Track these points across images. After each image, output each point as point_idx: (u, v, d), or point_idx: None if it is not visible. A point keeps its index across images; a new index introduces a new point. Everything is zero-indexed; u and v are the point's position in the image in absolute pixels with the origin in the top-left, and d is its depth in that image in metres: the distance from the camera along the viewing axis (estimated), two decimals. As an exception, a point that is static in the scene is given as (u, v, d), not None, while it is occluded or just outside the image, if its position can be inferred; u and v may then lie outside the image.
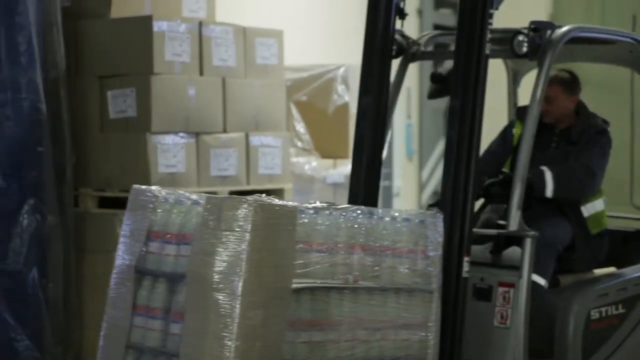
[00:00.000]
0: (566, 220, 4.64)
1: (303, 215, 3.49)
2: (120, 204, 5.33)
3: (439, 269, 3.82)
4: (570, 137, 4.75)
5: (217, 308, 3.30)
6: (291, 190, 6.16)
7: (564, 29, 4.44)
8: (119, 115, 5.58)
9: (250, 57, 5.94)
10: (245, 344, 3.26)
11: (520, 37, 4.30)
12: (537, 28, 4.33)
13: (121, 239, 3.70)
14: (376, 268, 3.66)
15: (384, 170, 4.53)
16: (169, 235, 3.56)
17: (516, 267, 4.26)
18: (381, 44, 4.29)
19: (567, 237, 4.62)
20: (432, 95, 4.54)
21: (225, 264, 3.31)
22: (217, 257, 3.34)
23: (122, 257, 3.66)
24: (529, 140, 4.30)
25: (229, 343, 3.25)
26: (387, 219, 3.74)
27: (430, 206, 4.33)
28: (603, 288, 4.67)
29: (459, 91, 4.06)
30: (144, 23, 5.49)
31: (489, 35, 4.07)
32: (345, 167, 6.82)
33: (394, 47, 4.54)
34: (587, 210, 4.71)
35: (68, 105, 5.56)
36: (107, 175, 5.60)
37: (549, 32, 4.35)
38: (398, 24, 4.46)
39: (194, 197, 3.58)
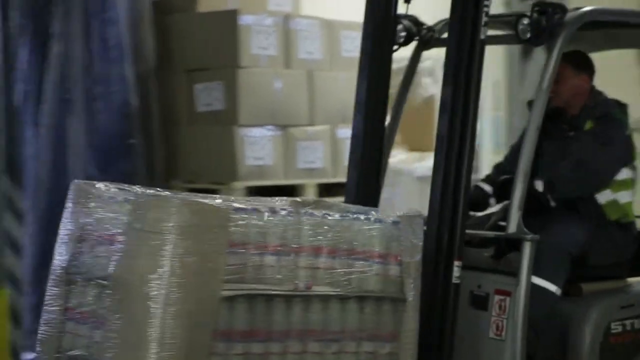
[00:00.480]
0: (583, 220, 4.19)
1: (257, 215, 3.21)
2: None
3: (416, 276, 3.46)
4: (577, 124, 4.30)
5: (138, 315, 3.03)
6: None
7: (580, 11, 4.00)
8: (206, 109, 5.65)
9: (335, 50, 5.96)
10: (167, 353, 3.01)
11: (525, 21, 3.88)
12: (543, 10, 3.89)
13: (59, 238, 3.45)
14: (337, 273, 3.34)
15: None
16: (100, 235, 3.30)
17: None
18: (380, 30, 3.94)
19: (584, 239, 4.16)
20: None
21: (148, 267, 3.04)
22: (140, 261, 3.07)
23: (57, 257, 3.41)
24: (533, 134, 3.87)
25: (150, 353, 3.00)
26: (357, 219, 3.42)
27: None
28: (629, 297, 4.17)
29: (450, 80, 3.71)
30: (230, 17, 5.55)
31: (484, 19, 3.70)
32: (432, 161, 6.79)
33: (403, 34, 4.24)
34: (603, 197, 4.22)
35: (157, 99, 5.66)
36: (196, 167, 5.68)
37: (557, 15, 3.90)
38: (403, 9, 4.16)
39: (129, 194, 3.32)
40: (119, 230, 3.19)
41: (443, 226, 3.64)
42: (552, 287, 4.01)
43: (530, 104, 4.29)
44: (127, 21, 5.64)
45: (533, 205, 3.99)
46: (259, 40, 5.61)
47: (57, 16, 5.59)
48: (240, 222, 3.17)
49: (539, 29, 3.88)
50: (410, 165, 7.01)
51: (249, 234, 3.19)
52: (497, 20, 3.94)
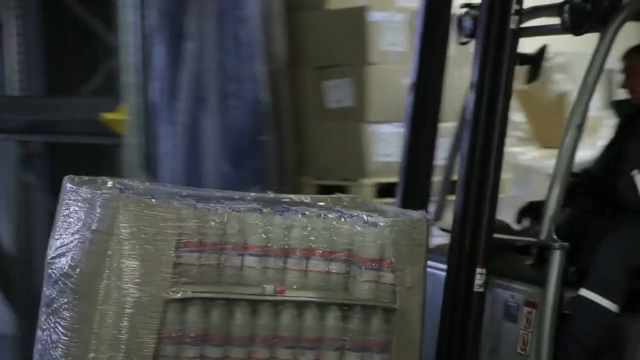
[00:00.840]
0: None
1: (229, 215, 3.12)
2: (339, 192, 5.45)
3: (414, 285, 3.24)
4: None
5: (85, 314, 3.03)
6: (510, 181, 6.10)
7: None
8: (336, 105, 5.70)
9: (465, 46, 5.91)
10: (107, 354, 2.98)
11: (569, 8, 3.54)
12: None
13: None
14: (319, 277, 3.18)
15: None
16: (68, 233, 3.26)
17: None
18: (434, 22, 3.63)
19: None
20: (528, 79, 3.90)
21: (91, 267, 3.06)
22: (89, 260, 3.09)
23: (48, 250, 3.37)
24: (573, 134, 3.52)
25: (91, 354, 2.98)
26: (355, 222, 3.24)
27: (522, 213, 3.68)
28: None
29: (477, 73, 3.46)
30: (359, 14, 5.57)
31: (515, 7, 3.40)
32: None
33: (468, 26, 3.94)
34: None
35: (287, 96, 5.73)
36: (325, 164, 5.73)
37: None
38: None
39: (94, 190, 3.24)
40: (78, 228, 3.17)
41: (465, 229, 3.39)
42: (605, 303, 3.57)
43: (614, 104, 4.07)
44: (258, 19, 5.73)
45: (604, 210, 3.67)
46: (388, 37, 5.62)
47: (191, 15, 5.72)
48: (200, 223, 3.08)
49: (581, 16, 3.51)
50: (542, 162, 6.92)
51: (213, 234, 3.10)
52: (542, 9, 3.68)
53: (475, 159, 3.42)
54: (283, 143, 5.70)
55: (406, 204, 3.51)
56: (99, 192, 3.19)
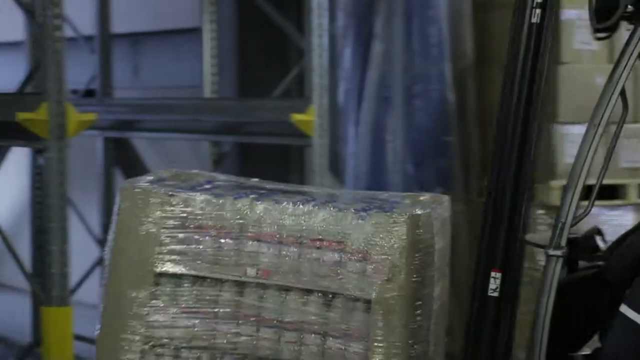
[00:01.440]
0: None
1: (218, 199, 3.43)
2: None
3: (392, 278, 3.29)
4: None
5: (107, 290, 3.55)
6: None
7: None
8: (523, 105, 5.57)
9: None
10: (114, 319, 3.49)
11: None
12: None
13: None
14: (301, 265, 3.37)
15: None
16: None
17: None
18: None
19: None
20: None
21: (107, 249, 3.57)
22: (107, 244, 3.58)
23: None
24: (591, 136, 3.21)
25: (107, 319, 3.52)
26: (345, 213, 3.38)
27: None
28: None
29: (506, 70, 3.18)
30: (551, 11, 5.44)
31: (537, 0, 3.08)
32: None
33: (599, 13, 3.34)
34: None
35: (474, 96, 5.64)
36: (511, 166, 5.60)
37: None
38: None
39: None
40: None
41: (484, 231, 3.22)
42: (638, 318, 3.10)
43: None
44: (447, 18, 5.67)
45: None
46: (580, 35, 5.45)
47: (379, 16, 5.71)
48: (185, 206, 3.45)
49: (608, 8, 3.16)
50: None
51: (200, 217, 3.44)
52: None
53: (497, 159, 3.28)
54: (468, 143, 5.61)
55: (496, 206, 3.31)
56: (129, 180, 3.66)
